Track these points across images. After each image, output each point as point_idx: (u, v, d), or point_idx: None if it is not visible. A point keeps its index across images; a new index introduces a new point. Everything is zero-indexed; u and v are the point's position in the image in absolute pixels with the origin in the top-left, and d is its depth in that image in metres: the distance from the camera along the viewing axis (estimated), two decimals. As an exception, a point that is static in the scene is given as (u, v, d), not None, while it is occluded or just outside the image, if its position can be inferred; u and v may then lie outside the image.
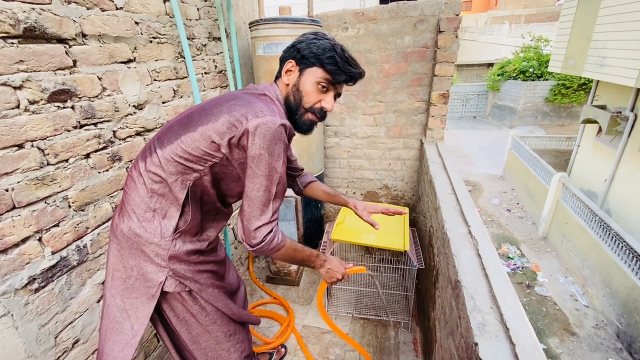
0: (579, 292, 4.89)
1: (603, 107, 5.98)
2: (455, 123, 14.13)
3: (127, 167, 1.35)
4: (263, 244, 0.89)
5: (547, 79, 11.81)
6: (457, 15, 2.11)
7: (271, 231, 0.90)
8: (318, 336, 1.94)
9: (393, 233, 1.89)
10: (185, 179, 0.89)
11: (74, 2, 1.08)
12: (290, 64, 0.95)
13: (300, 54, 0.93)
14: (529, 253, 5.83)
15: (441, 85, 2.26)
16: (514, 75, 12.51)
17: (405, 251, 1.73)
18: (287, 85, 0.97)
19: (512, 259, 5.66)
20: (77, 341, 1.17)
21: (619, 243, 4.22)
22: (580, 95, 11.10)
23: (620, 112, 5.37)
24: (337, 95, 0.99)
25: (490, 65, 15.45)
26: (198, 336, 1.04)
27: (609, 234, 4.40)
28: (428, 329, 1.65)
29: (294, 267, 2.39)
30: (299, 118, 0.98)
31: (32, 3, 0.96)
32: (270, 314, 2.09)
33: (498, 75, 13.34)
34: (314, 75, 0.93)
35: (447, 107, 2.34)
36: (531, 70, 12.07)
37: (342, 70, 0.92)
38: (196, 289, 0.98)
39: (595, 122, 6.01)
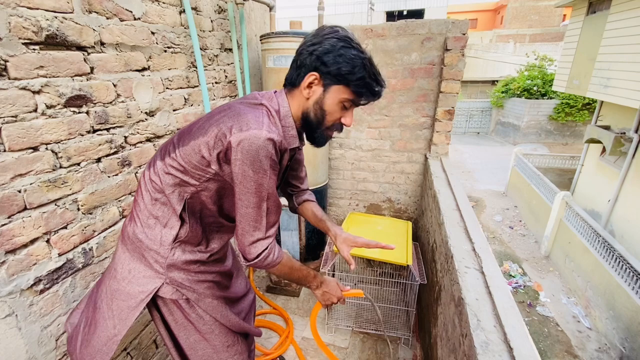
0: (582, 313, 4.81)
1: (607, 128, 6.00)
2: (458, 138, 14.18)
3: (136, 173, 1.37)
4: (258, 259, 0.88)
5: (551, 98, 11.90)
6: (464, 34, 2.15)
7: (267, 248, 0.89)
8: (317, 349, 1.92)
9: (396, 247, 1.89)
10: (182, 192, 0.89)
11: (95, 11, 1.12)
12: (313, 77, 0.85)
13: (327, 70, 0.83)
14: (531, 272, 5.76)
15: (447, 101, 2.29)
16: (518, 92, 12.61)
17: (407, 265, 1.73)
18: (307, 99, 0.89)
19: (513, 277, 5.60)
20: (77, 345, 1.17)
21: (622, 265, 4.17)
22: (585, 114, 11.16)
23: (625, 133, 5.39)
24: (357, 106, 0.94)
25: (495, 82, 15.58)
26: (196, 343, 1.03)
27: (613, 255, 4.36)
28: (429, 346, 1.63)
29: (294, 278, 2.37)
30: (319, 135, 0.94)
31: (55, 11, 1.00)
32: (269, 325, 2.07)
33: (502, 92, 13.45)
34: (339, 94, 0.86)
35: (452, 123, 2.36)
36: (535, 88, 12.16)
37: (370, 93, 0.86)
38: (194, 298, 0.97)
39: (599, 142, 6.02)
